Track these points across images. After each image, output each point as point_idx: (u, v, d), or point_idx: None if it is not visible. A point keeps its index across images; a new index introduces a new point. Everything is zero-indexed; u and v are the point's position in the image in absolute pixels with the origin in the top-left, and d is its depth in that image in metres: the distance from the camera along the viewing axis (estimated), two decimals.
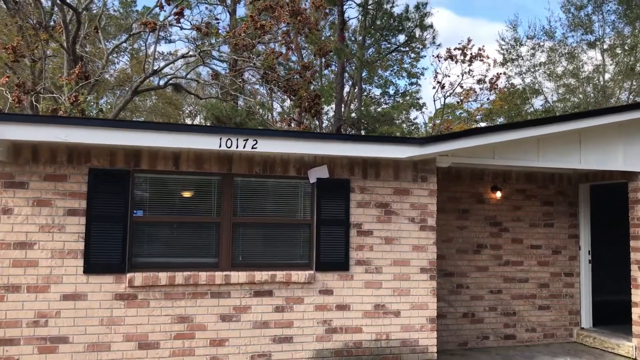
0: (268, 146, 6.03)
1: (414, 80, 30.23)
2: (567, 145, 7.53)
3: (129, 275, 5.88)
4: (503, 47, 27.71)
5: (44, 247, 5.70)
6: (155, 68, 17.01)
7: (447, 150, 6.62)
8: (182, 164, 6.14)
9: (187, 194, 6.31)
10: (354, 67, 27.59)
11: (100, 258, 5.82)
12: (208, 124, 20.69)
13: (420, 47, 27.47)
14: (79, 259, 5.77)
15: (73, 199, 5.81)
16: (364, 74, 28.30)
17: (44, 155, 5.76)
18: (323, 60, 23.27)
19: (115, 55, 22.47)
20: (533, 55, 26.98)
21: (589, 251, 8.98)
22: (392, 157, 6.50)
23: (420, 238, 6.90)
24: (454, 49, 25.62)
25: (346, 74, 27.50)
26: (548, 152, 7.45)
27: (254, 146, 5.96)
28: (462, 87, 27.25)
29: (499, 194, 8.59)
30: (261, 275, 6.27)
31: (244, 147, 5.93)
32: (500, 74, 26.49)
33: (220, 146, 5.86)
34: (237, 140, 5.91)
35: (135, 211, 6.03)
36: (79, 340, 5.73)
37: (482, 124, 27.87)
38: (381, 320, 6.70)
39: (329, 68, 26.86)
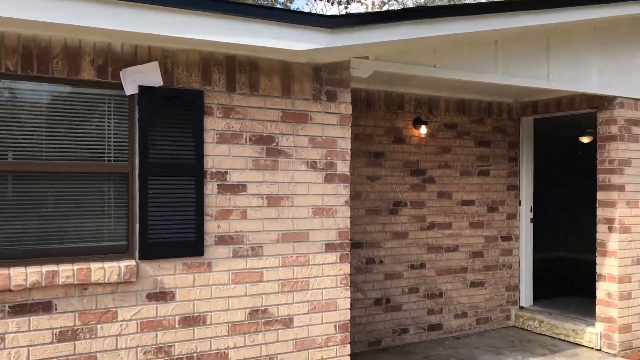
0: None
1: None
2: (533, 53, 5.16)
3: None
4: None
5: None
6: None
7: (377, 42, 3.82)
8: None
9: None
10: None
11: None
12: None
13: None
14: None
15: None
16: None
17: None
18: None
19: None
20: None
21: (531, 207, 6.80)
22: (278, 48, 3.59)
23: (326, 195, 4.13)
24: None
25: None
26: (509, 62, 5.02)
27: None
28: None
29: (423, 130, 6.05)
30: (24, 275, 3.16)
31: None
32: None
33: None
34: None
35: None
36: None
37: None
38: (261, 336, 3.91)
39: None
